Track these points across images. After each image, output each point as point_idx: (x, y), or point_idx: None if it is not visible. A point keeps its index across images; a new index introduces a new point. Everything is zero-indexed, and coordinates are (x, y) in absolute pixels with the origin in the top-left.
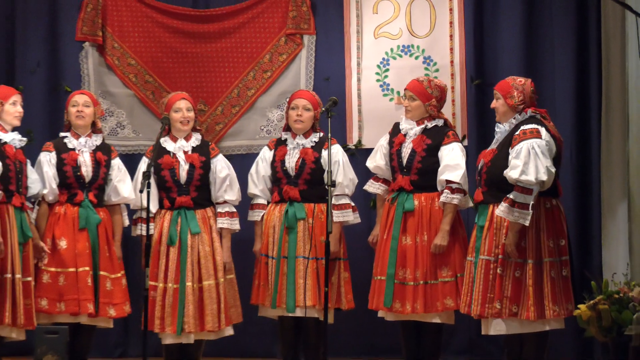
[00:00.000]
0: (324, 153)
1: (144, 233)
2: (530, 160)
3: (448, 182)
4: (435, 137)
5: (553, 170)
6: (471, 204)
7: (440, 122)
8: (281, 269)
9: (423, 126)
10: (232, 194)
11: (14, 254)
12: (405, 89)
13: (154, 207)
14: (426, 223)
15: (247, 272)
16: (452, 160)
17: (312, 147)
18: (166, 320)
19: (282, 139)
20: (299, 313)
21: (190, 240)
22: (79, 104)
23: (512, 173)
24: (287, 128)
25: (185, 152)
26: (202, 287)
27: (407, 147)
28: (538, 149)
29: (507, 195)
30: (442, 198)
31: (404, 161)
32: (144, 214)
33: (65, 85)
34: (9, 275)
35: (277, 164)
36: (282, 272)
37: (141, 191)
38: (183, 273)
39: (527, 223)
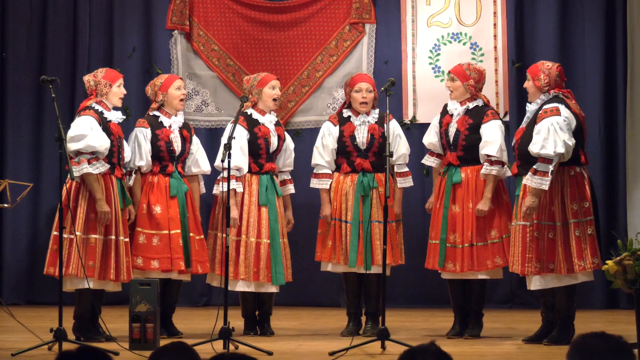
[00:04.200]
0: (386, 127)
1: (224, 190)
2: (549, 136)
3: (487, 155)
4: (476, 117)
5: (571, 142)
6: (509, 173)
7: (480, 103)
8: (360, 232)
9: (465, 107)
10: (291, 164)
11: (117, 219)
12: (447, 73)
13: (244, 169)
14: (472, 193)
15: (308, 232)
16: (490, 137)
17: (375, 122)
18: (262, 272)
19: (345, 116)
20: (361, 270)
21: (277, 202)
22: (181, 88)
23: (533, 148)
24: (347, 106)
25: (275, 125)
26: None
27: (453, 127)
28: (557, 125)
29: (533, 166)
30: (482, 170)
31: (451, 139)
32: (226, 174)
33: (157, 68)
34: (112, 237)
35: (347, 139)
36: (360, 235)
37: (222, 160)
38: (274, 229)
39: (546, 188)
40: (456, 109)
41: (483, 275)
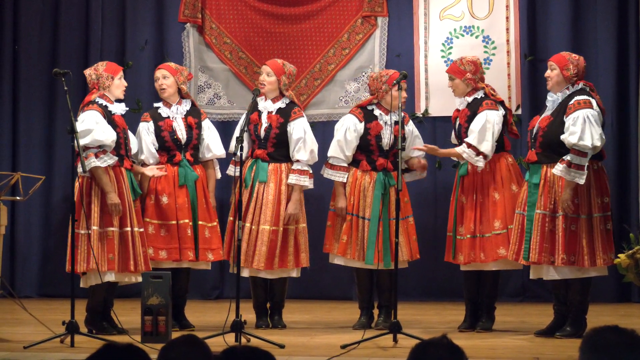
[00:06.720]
0: (406, 128)
1: (231, 174)
2: (586, 128)
3: (467, 143)
4: (473, 108)
5: (604, 137)
6: (481, 165)
7: (479, 95)
8: (380, 230)
9: (466, 101)
10: (303, 155)
11: (130, 210)
12: (446, 72)
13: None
14: (478, 184)
15: (320, 224)
16: (474, 125)
17: (397, 123)
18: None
19: (374, 112)
20: (373, 266)
21: (257, 187)
22: (159, 79)
23: (570, 138)
24: (373, 102)
25: (269, 113)
26: (258, 230)
27: (458, 120)
28: (592, 118)
29: (563, 157)
30: (457, 149)
31: (456, 132)
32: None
33: (169, 60)
34: (128, 229)
35: (372, 138)
36: (380, 232)
37: (234, 154)
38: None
39: (582, 182)
40: (461, 104)
41: (490, 266)
